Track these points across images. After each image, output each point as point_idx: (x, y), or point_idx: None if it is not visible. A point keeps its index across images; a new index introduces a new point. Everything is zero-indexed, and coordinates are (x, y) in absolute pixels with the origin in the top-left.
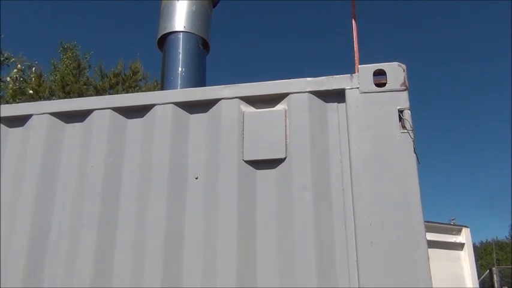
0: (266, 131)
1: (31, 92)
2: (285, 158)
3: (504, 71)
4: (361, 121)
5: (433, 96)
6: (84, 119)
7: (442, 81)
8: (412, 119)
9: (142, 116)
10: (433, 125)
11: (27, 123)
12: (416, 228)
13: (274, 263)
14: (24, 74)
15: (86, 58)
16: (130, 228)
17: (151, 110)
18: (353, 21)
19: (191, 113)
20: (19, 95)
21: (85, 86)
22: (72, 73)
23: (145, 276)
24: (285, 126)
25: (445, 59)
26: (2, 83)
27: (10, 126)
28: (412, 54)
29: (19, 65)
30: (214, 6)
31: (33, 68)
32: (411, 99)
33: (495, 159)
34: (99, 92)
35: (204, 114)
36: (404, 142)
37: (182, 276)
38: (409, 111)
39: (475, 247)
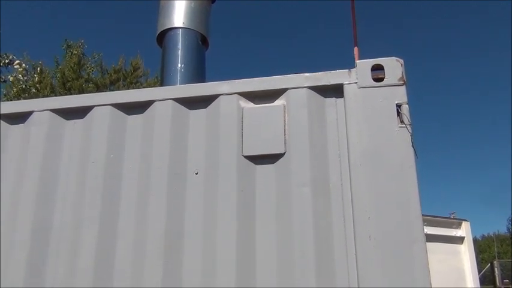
0: (265, 127)
1: (35, 91)
2: (284, 153)
3: (504, 68)
4: (359, 116)
5: (436, 91)
6: (85, 116)
7: (445, 77)
8: (411, 113)
9: (142, 112)
10: (434, 120)
11: (28, 120)
12: (414, 222)
13: (274, 258)
14: (28, 74)
15: (95, 58)
16: (131, 224)
17: (151, 106)
18: (352, 17)
19: (191, 109)
20: (22, 94)
21: (86, 83)
22: (73, 69)
23: (146, 272)
24: (284, 121)
25: (448, 54)
26: (4, 83)
27: (11, 123)
28: (414, 50)
29: (24, 64)
30: (212, 2)
31: (38, 68)
32: (409, 94)
33: (495, 154)
34: (99, 88)
35: (204, 110)
36: (402, 136)
37: (182, 272)
38: (407, 105)
39: (476, 241)
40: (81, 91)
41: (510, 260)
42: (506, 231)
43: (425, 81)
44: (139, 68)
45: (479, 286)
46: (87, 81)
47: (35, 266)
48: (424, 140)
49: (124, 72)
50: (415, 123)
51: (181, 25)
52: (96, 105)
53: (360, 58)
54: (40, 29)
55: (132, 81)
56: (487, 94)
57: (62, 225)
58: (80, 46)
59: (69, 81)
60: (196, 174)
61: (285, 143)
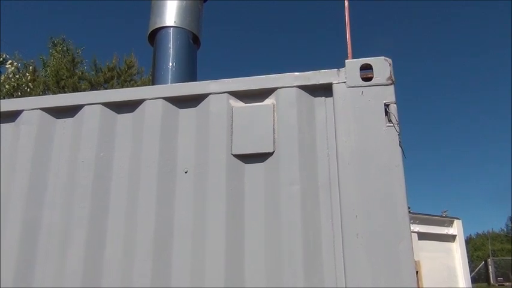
0: (254, 126)
1: (27, 89)
2: (273, 152)
3: (498, 68)
4: (347, 115)
5: (433, 91)
6: (75, 114)
7: (442, 77)
8: (399, 113)
9: (132, 111)
10: (430, 119)
11: (18, 118)
12: (401, 221)
13: (262, 257)
14: (19, 72)
15: (78, 53)
16: (121, 223)
17: (141, 105)
18: (346, 16)
19: (180, 108)
20: (15, 92)
21: (79, 81)
22: (66, 67)
23: (135, 271)
24: (273, 120)
25: (443, 54)
26: None
27: (1, 122)
28: (410, 50)
29: (15, 63)
30: (204, 1)
31: (30, 67)
32: (398, 93)
33: (489, 153)
34: (93, 86)
35: (193, 109)
36: (390, 136)
37: (171, 271)
38: (395, 105)
39: (471, 239)
40: (75, 89)
41: (504, 258)
42: (500, 230)
43: (424, 81)
44: (133, 66)
45: (470, 284)
46: (80, 79)
47: (24, 265)
48: (417, 138)
49: (118, 70)
50: (412, 122)
51: (172, 24)
52: (86, 104)
53: (354, 57)
54: (34, 27)
55: (126, 79)
56: (484, 93)
57: (52, 224)
58: (63, 42)
59: (62, 79)
60: (186, 172)
61: (274, 142)
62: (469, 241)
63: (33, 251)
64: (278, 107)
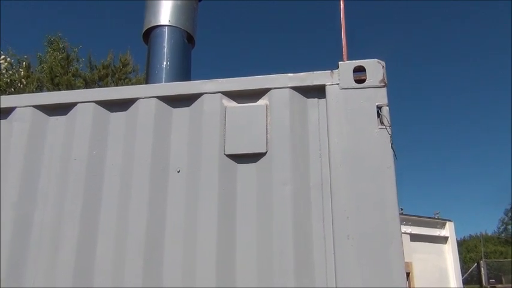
0: (248, 126)
1: (20, 85)
2: (266, 152)
3: (498, 70)
4: (340, 117)
5: (430, 92)
6: (68, 112)
7: (436, 78)
8: (391, 115)
9: (125, 110)
10: (426, 120)
11: (10, 115)
12: (391, 222)
13: (253, 257)
14: (12, 67)
15: (75, 51)
16: (113, 222)
17: (135, 103)
18: (341, 17)
19: (174, 107)
20: (8, 88)
21: (74, 78)
22: (61, 64)
23: (126, 270)
24: (266, 121)
25: (447, 54)
26: None
27: None
28: (409, 50)
29: (8, 58)
30: (199, 0)
31: (24, 63)
32: (390, 95)
33: (487, 155)
34: (88, 83)
35: (187, 108)
36: (382, 138)
37: (162, 270)
38: (387, 107)
39: (464, 241)
40: (69, 86)
41: (497, 260)
42: (493, 232)
43: (422, 82)
44: (128, 64)
45: (461, 285)
46: (74, 76)
47: (15, 262)
48: (412, 139)
49: (113, 68)
50: (408, 123)
51: (167, 23)
52: (79, 102)
53: (348, 58)
54: (30, 25)
55: (121, 77)
56: (482, 95)
57: (43, 222)
58: (60, 40)
59: (57, 76)
60: (179, 172)
61: (266, 143)
62: (462, 243)
63: (25, 249)
64: (271, 107)
